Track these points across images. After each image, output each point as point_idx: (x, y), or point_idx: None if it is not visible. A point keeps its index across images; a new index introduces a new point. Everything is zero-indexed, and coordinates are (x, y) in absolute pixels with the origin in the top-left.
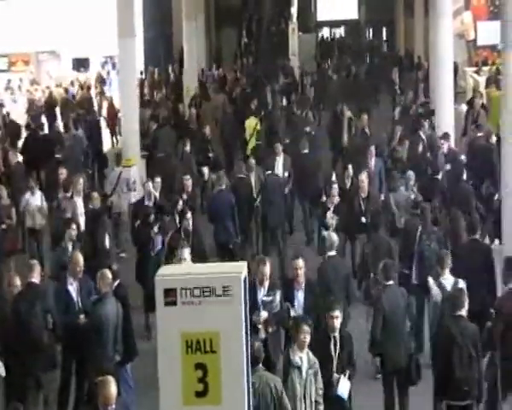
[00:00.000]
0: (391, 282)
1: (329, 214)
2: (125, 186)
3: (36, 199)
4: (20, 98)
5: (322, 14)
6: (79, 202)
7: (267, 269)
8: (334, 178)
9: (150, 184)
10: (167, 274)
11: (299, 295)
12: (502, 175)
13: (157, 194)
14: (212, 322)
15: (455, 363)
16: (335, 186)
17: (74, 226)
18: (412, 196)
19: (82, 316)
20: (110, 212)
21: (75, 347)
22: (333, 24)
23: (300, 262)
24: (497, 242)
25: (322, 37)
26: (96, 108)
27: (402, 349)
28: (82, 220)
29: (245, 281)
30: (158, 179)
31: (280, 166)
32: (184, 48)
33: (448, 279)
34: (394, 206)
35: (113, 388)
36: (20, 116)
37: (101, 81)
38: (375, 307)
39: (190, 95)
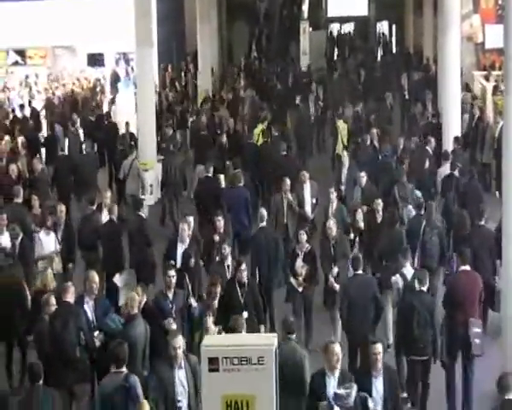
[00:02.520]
0: (359, 271)
1: (299, 263)
2: (136, 171)
3: (49, 242)
4: (37, 94)
5: (332, 10)
6: (106, 215)
7: (338, 350)
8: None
9: (186, 226)
10: (211, 345)
11: (378, 384)
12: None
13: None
14: (248, 386)
15: (413, 326)
16: (302, 232)
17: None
18: (418, 194)
19: (96, 333)
20: (125, 195)
21: (101, 362)
22: (343, 20)
23: (379, 347)
24: None
25: (332, 33)
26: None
27: (364, 328)
28: None
29: (275, 352)
30: (190, 219)
31: (308, 193)
32: (198, 48)
33: (408, 270)
34: (398, 197)
35: None
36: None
37: (116, 79)
38: (342, 293)
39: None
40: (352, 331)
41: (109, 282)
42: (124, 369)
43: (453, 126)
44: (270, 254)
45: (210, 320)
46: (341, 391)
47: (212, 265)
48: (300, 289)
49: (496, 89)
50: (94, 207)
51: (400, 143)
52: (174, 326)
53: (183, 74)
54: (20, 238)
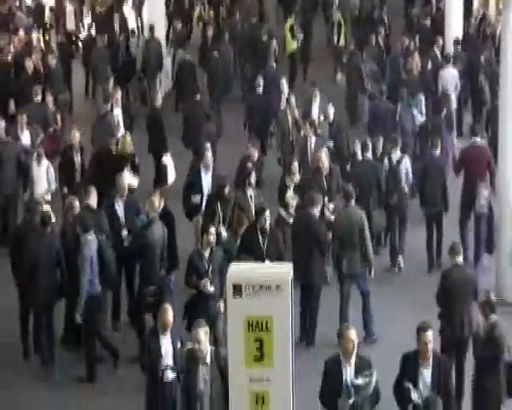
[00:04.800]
0: (352, 203)
1: (290, 194)
2: None
3: (42, 175)
4: None
5: None
6: (118, 111)
7: (354, 336)
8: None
9: (209, 152)
10: (236, 273)
11: (425, 374)
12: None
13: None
14: (267, 309)
15: (426, 184)
16: (295, 164)
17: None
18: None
19: (125, 233)
20: None
21: (123, 262)
22: None
23: (430, 335)
24: None
25: None
26: None
27: (356, 257)
28: (121, 130)
29: (291, 280)
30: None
31: (316, 108)
32: None
33: (396, 155)
34: (364, 74)
35: (170, 315)
36: None
37: None
38: (334, 225)
39: None
40: (344, 263)
41: (157, 162)
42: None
43: (455, 25)
44: (261, 114)
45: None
46: (360, 381)
47: (236, 194)
48: (291, 221)
49: None
50: (108, 107)
51: (404, 42)
52: (211, 288)
53: None
54: (40, 138)
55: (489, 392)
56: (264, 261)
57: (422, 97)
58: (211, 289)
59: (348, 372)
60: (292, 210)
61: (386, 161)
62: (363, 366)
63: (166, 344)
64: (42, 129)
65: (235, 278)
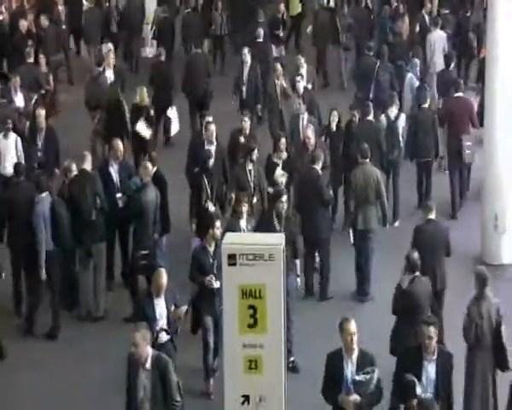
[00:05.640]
0: (367, 160)
1: (279, 172)
2: None
3: (9, 147)
4: None
5: None
6: (110, 74)
7: (354, 328)
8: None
9: (212, 126)
10: (230, 243)
11: (430, 369)
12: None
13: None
14: (260, 278)
15: (419, 136)
16: (283, 140)
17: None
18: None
19: (119, 195)
20: None
21: (117, 225)
22: None
23: (433, 330)
24: None
25: None
26: None
27: (371, 214)
28: None
29: (283, 250)
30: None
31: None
32: None
33: (393, 112)
34: (339, 26)
35: (164, 278)
36: None
37: None
38: (350, 181)
39: None
40: (359, 220)
41: (158, 115)
42: None
43: None
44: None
45: None
46: (361, 377)
47: (233, 169)
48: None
49: None
50: (101, 69)
51: (393, 4)
52: (217, 284)
53: None
54: (33, 100)
55: (408, 344)
56: None
57: (418, 61)
58: (216, 284)
59: (349, 368)
60: (283, 187)
61: (383, 118)
62: (365, 362)
63: (160, 307)
64: (34, 91)
65: (230, 247)
